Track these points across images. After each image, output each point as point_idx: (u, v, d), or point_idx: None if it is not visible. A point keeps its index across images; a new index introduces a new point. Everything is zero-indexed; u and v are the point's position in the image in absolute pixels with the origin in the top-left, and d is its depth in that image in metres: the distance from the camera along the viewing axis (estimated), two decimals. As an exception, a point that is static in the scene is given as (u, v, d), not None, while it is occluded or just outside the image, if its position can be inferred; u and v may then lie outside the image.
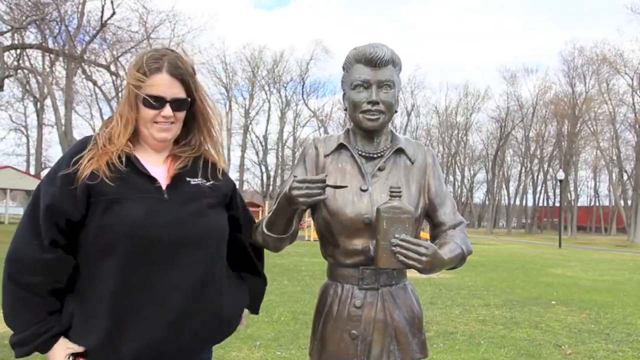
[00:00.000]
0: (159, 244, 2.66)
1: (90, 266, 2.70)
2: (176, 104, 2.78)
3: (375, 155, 3.00)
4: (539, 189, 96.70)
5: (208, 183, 2.92)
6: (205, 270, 2.79)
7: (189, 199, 2.81)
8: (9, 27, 37.60)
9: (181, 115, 2.84)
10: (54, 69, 45.57)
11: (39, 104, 60.12)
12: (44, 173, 65.67)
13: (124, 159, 2.76)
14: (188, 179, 2.87)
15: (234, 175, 79.25)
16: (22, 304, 2.69)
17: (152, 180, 2.77)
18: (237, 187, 3.14)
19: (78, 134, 58.09)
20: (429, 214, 3.06)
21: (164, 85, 2.75)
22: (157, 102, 2.75)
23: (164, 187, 2.78)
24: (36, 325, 2.67)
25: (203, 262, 2.79)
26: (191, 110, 2.90)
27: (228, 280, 2.97)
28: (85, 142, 2.85)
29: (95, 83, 49.43)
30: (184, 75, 2.80)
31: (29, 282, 2.67)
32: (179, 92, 2.79)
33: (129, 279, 2.64)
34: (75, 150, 2.82)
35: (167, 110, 2.76)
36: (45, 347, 2.69)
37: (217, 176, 2.98)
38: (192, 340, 2.78)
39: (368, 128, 2.92)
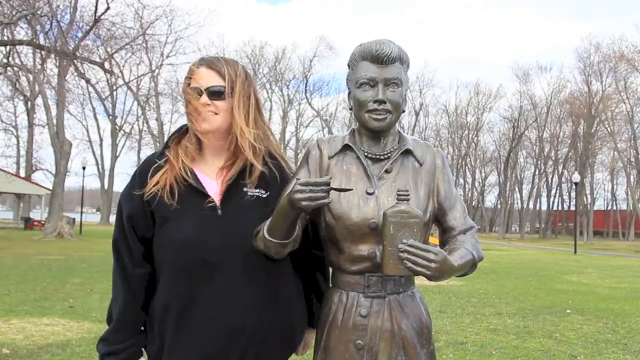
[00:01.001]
0: (209, 261, 2.84)
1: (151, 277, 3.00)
2: (212, 93, 2.94)
3: (381, 157, 2.98)
4: (553, 192, 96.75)
5: (265, 194, 3.04)
6: (259, 288, 2.93)
7: (244, 215, 2.94)
8: (-2, 23, 37.60)
9: (222, 104, 2.96)
10: (45, 66, 45.62)
11: (29, 103, 60.21)
12: (34, 175, 65.96)
13: (184, 174, 2.98)
14: (245, 189, 3.00)
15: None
16: (128, 315, 2.99)
17: (207, 196, 2.93)
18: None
19: (70, 135, 58.25)
20: (438, 219, 3.05)
21: (201, 77, 2.96)
22: (195, 93, 2.95)
23: (218, 203, 2.93)
24: (131, 340, 2.99)
25: (257, 280, 2.92)
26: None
27: (289, 298, 3.09)
28: (152, 160, 3.08)
29: (88, 81, 49.47)
30: (221, 67, 2.98)
31: (131, 297, 2.97)
32: (214, 81, 2.96)
33: (177, 296, 2.88)
34: (144, 168, 3.07)
35: (204, 98, 2.93)
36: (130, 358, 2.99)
37: (274, 186, 3.06)
38: None
39: (374, 128, 2.91)
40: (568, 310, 13.80)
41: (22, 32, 43.46)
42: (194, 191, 2.94)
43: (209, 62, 3.00)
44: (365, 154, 2.99)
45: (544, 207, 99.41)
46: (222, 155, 3.07)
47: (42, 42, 42.10)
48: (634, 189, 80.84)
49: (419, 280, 2.95)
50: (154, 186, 2.94)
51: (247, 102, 3.02)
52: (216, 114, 2.96)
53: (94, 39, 46.33)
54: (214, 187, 2.98)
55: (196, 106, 2.95)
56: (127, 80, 67.40)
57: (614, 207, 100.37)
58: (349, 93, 3.03)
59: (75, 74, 46.32)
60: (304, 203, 2.56)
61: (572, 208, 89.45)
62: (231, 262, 2.87)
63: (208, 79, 2.97)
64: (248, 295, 2.90)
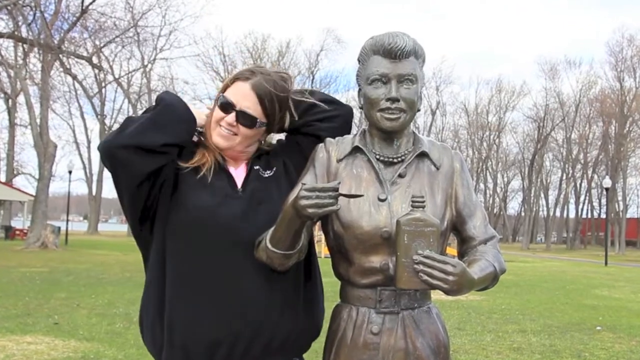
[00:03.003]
0: (229, 234, 2.99)
1: (159, 246, 3.08)
2: (242, 117, 3.06)
3: (395, 160, 2.98)
4: (582, 198, 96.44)
5: (271, 172, 3.23)
6: (274, 272, 2.99)
7: (262, 199, 3.10)
8: (-23, 14, 37.66)
9: (247, 131, 3.10)
10: (27, 61, 45.67)
11: (10, 101, 60.33)
12: (16, 180, 65.93)
13: (216, 155, 3.18)
14: (260, 173, 3.20)
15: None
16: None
17: (229, 175, 3.14)
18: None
19: (55, 136, 58.26)
20: (457, 227, 3.04)
21: (240, 94, 3.07)
22: (227, 106, 3.07)
23: (239, 185, 3.13)
24: None
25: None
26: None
27: (305, 284, 3.22)
28: None
29: (75, 77, 49.61)
30: (266, 95, 3.07)
31: None
32: (251, 107, 3.06)
33: (186, 266, 2.99)
34: None
35: (230, 117, 3.07)
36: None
37: (277, 162, 3.30)
38: (248, 348, 3.01)
39: (387, 129, 2.91)
40: (598, 328, 13.76)
41: (2, 23, 43.60)
42: (220, 170, 3.13)
43: (257, 83, 3.07)
44: (377, 156, 2.99)
45: (572, 215, 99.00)
46: (233, 157, 3.23)
47: (24, 34, 42.16)
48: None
49: (436, 295, 2.95)
50: (197, 159, 3.13)
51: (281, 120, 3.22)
52: (235, 134, 3.10)
53: (81, 31, 46.49)
54: (234, 173, 3.17)
55: (220, 118, 3.10)
56: (117, 76, 67.61)
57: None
58: (359, 90, 3.04)
59: (61, 69, 46.47)
60: (310, 210, 2.56)
61: (603, 216, 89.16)
62: (251, 238, 2.96)
63: (246, 100, 3.07)
64: (264, 269, 2.97)
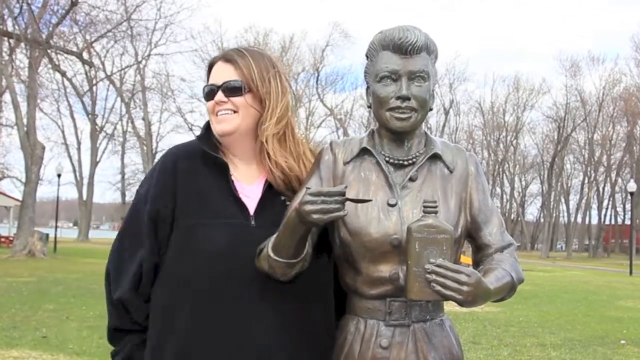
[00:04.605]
0: (240, 277, 2.90)
1: (164, 295, 3.03)
2: (229, 89, 3.04)
3: (405, 162, 2.97)
4: (605, 203, 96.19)
5: None
6: (292, 308, 2.97)
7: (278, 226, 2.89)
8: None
9: (239, 101, 3.04)
10: (13, 57, 45.68)
11: (-5, 99, 60.35)
12: (1, 184, 65.95)
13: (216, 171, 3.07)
14: (283, 198, 3.07)
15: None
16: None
17: (241, 203, 3.02)
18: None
19: (43, 137, 58.25)
20: (472, 234, 3.03)
21: (217, 73, 3.11)
22: (211, 91, 3.08)
23: (252, 212, 3.02)
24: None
25: (290, 299, 2.97)
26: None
27: (322, 321, 3.12)
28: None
29: (64, 74, 49.62)
30: (237, 59, 3.08)
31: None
32: (231, 76, 3.06)
33: (200, 314, 2.91)
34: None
35: (219, 96, 3.04)
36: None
37: None
38: None
39: (397, 129, 2.90)
40: (622, 341, 13.75)
41: (-14, 17, 43.58)
42: (227, 196, 3.02)
43: (225, 55, 3.13)
44: (387, 159, 2.98)
45: (594, 221, 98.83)
46: (250, 159, 3.15)
47: (10, 28, 42.19)
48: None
49: (449, 306, 2.95)
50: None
51: (274, 115, 3.07)
52: (235, 111, 3.04)
53: (70, 25, 46.49)
54: (247, 193, 3.06)
55: (213, 106, 3.06)
56: (109, 73, 67.63)
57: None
58: (368, 88, 3.03)
59: (49, 65, 46.44)
60: (315, 216, 2.55)
61: (627, 222, 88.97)
62: (263, 278, 2.89)
63: (223, 73, 3.07)
64: (280, 315, 2.94)
